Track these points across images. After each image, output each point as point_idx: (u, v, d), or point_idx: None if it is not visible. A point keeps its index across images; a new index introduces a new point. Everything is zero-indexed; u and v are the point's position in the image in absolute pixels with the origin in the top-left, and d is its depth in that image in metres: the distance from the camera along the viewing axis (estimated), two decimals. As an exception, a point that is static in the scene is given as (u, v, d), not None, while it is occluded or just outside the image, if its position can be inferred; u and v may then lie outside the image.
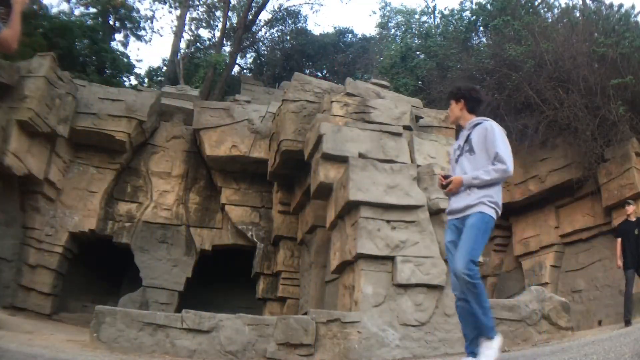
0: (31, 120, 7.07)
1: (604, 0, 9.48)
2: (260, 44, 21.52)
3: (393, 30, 21.01)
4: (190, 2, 18.41)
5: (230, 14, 19.18)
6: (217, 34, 19.51)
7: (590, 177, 7.90)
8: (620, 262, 6.57)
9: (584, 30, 8.87)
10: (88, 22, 14.40)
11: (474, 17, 11.96)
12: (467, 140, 3.24)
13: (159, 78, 18.02)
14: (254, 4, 17.87)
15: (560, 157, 8.42)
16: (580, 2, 10.53)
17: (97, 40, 13.00)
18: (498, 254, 9.81)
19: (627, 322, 6.16)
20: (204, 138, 8.59)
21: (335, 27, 29.02)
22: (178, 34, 18.59)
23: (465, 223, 3.09)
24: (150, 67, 20.28)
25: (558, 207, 8.73)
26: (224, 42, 19.21)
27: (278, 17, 20.73)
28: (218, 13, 20.06)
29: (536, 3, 11.26)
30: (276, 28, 21.37)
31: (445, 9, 19.62)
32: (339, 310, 5.31)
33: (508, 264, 9.59)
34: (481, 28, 12.02)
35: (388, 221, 5.20)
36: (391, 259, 5.09)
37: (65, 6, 15.75)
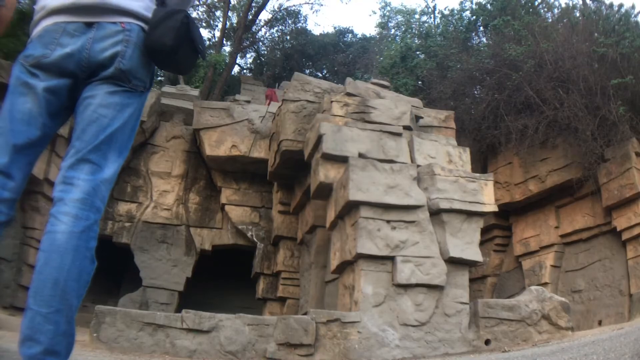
0: (31, 120, 7.06)
1: (604, 0, 9.47)
2: (260, 44, 21.53)
3: (393, 30, 21.00)
4: (190, 2, 18.36)
5: (230, 14, 19.18)
6: (217, 34, 19.51)
7: (590, 177, 7.89)
8: None
9: (584, 30, 8.87)
10: (88, 22, 14.36)
11: (474, 17, 11.96)
12: None
13: (159, 78, 18.01)
14: (254, 4, 17.86)
15: (560, 157, 8.42)
16: (580, 2, 10.52)
17: (97, 40, 12.97)
18: (498, 254, 9.81)
19: None
20: (204, 138, 8.59)
21: (335, 27, 29.07)
22: (178, 34, 18.54)
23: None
24: (150, 67, 20.19)
25: (558, 207, 8.72)
26: (224, 42, 19.22)
27: (278, 17, 20.73)
28: (218, 13, 20.06)
29: (536, 3, 11.26)
30: (276, 28, 21.37)
31: (445, 9, 19.63)
32: (339, 310, 5.31)
33: (508, 264, 9.59)
34: (481, 28, 12.02)
35: (388, 221, 5.20)
36: (391, 259, 5.09)
37: (65, 6, 15.73)
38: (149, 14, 1.73)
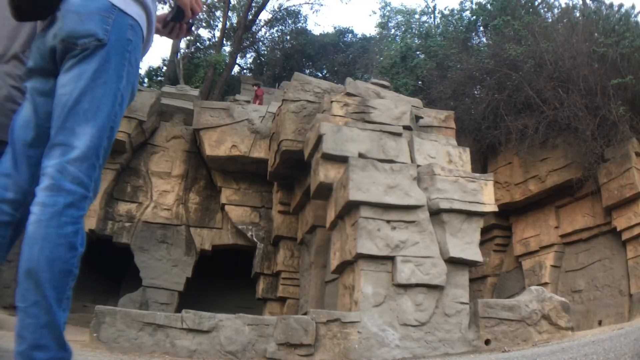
0: (31, 120, 7.05)
1: (604, 0, 9.47)
2: (260, 44, 21.55)
3: (393, 30, 21.02)
4: (190, 2, 18.38)
5: (230, 14, 19.21)
6: (217, 34, 19.53)
7: (590, 177, 7.90)
8: None
9: (584, 30, 8.87)
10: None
11: (474, 17, 11.96)
12: None
13: (159, 78, 18.03)
14: (254, 4, 17.88)
15: (560, 157, 8.42)
16: (580, 2, 10.54)
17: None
18: (498, 254, 9.81)
19: None
20: (204, 138, 8.59)
21: (335, 27, 29.09)
22: (178, 34, 18.58)
23: None
24: (150, 67, 20.32)
25: (558, 207, 8.73)
26: (224, 42, 19.24)
27: (278, 17, 20.75)
28: (218, 13, 20.08)
29: (536, 3, 11.26)
30: (276, 28, 21.41)
31: (445, 9, 19.65)
32: (339, 310, 5.31)
33: (508, 264, 9.59)
34: (481, 28, 12.02)
35: (388, 221, 5.20)
36: (391, 259, 5.09)
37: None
38: None
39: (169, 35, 1.98)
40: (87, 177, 1.51)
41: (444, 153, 6.24)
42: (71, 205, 1.47)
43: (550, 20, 10.36)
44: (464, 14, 12.94)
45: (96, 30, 1.56)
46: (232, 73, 18.69)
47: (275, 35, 21.49)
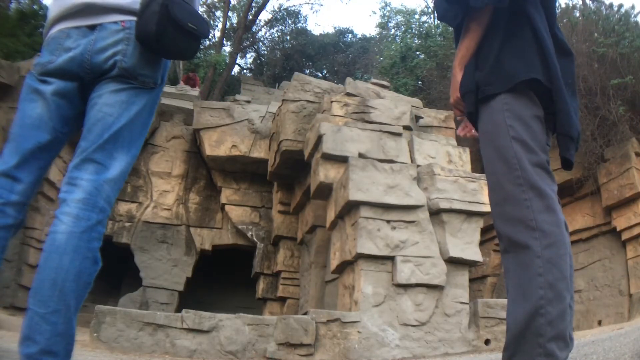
0: (31, 120, 7.05)
1: (604, 0, 9.47)
2: (260, 44, 21.55)
3: (393, 30, 21.00)
4: (190, 2, 18.37)
5: (230, 14, 19.21)
6: (217, 34, 19.52)
7: (590, 177, 7.90)
8: None
9: (584, 30, 8.87)
10: (88, 22, 14.38)
11: (474, 17, 11.95)
12: None
13: (159, 78, 17.98)
14: (254, 4, 17.89)
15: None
16: (580, 2, 10.54)
17: (97, 40, 12.97)
18: (498, 254, 9.81)
19: None
20: (204, 138, 8.59)
21: (335, 27, 29.11)
22: (178, 34, 18.57)
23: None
24: (150, 67, 20.22)
25: (558, 207, 8.72)
26: (224, 42, 19.24)
27: (278, 17, 20.76)
28: (218, 13, 20.08)
29: (536, 3, 11.25)
30: (276, 28, 21.40)
31: (445, 9, 19.57)
32: (339, 310, 5.32)
33: (508, 264, 9.58)
34: (481, 28, 12.00)
35: (388, 221, 5.20)
36: (391, 259, 5.10)
37: (65, 6, 15.74)
38: None
39: None
40: (113, 198, 1.60)
41: (444, 153, 6.25)
42: (100, 223, 1.54)
43: (550, 20, 10.34)
44: (464, 14, 12.91)
45: (155, 75, 1.69)
46: (232, 73, 18.69)
47: (275, 35, 21.51)
